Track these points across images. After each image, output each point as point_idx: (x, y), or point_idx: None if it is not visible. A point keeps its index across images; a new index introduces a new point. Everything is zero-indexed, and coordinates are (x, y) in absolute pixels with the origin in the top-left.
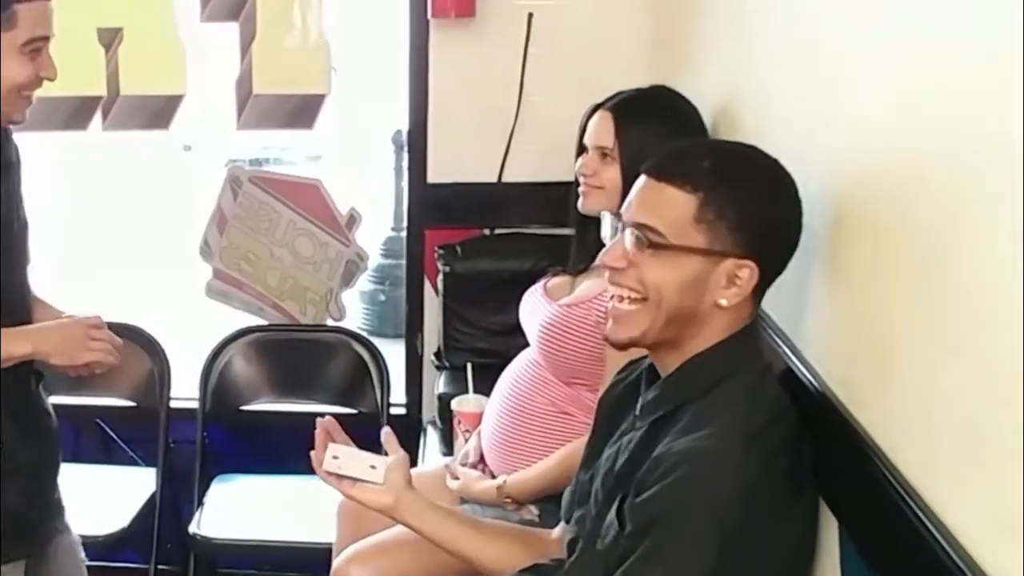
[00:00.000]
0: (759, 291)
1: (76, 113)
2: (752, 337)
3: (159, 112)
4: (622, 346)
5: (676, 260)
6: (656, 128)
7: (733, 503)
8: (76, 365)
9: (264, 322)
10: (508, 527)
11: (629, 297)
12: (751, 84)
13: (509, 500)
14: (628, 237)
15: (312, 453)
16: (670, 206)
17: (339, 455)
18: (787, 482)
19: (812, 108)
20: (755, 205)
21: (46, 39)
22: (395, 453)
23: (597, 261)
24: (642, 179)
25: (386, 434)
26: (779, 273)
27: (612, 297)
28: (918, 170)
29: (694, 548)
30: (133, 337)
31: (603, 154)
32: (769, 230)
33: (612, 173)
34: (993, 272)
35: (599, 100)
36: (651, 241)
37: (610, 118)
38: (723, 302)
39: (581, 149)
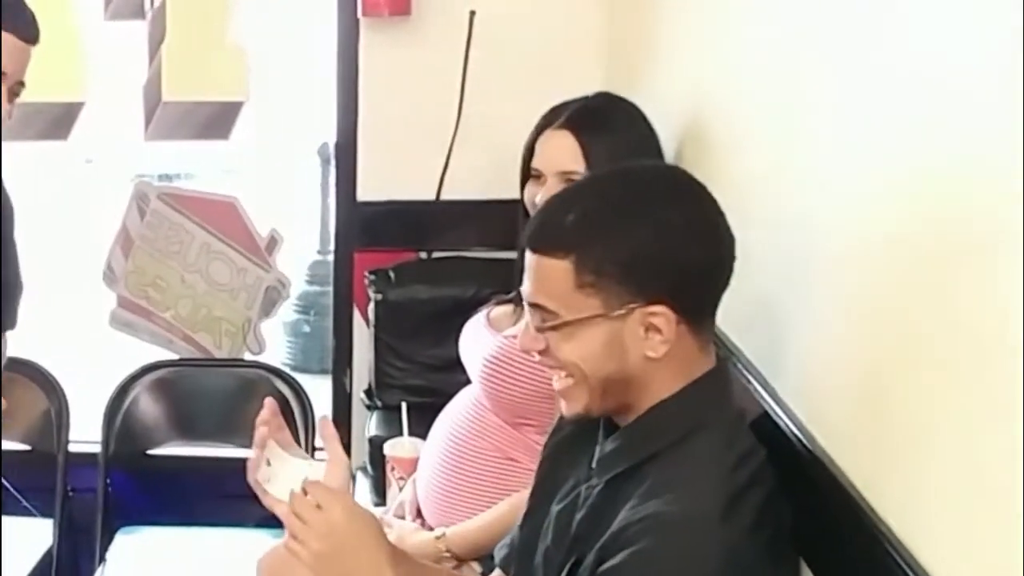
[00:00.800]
0: (695, 329)
1: None
2: (719, 383)
3: (57, 121)
4: (573, 422)
5: (578, 333)
6: (619, 141)
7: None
8: None
9: (174, 356)
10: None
11: (562, 374)
12: (721, 96)
13: (449, 555)
14: (531, 317)
15: (249, 459)
16: (549, 279)
17: (273, 462)
18: (770, 550)
19: (788, 123)
20: (638, 248)
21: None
22: (334, 460)
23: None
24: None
25: (323, 424)
26: (710, 306)
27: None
28: (909, 193)
29: None
30: (27, 373)
31: (569, 180)
32: (669, 268)
33: None
34: (991, 301)
35: (550, 109)
36: (546, 324)
37: (571, 137)
38: (651, 354)
39: (526, 174)
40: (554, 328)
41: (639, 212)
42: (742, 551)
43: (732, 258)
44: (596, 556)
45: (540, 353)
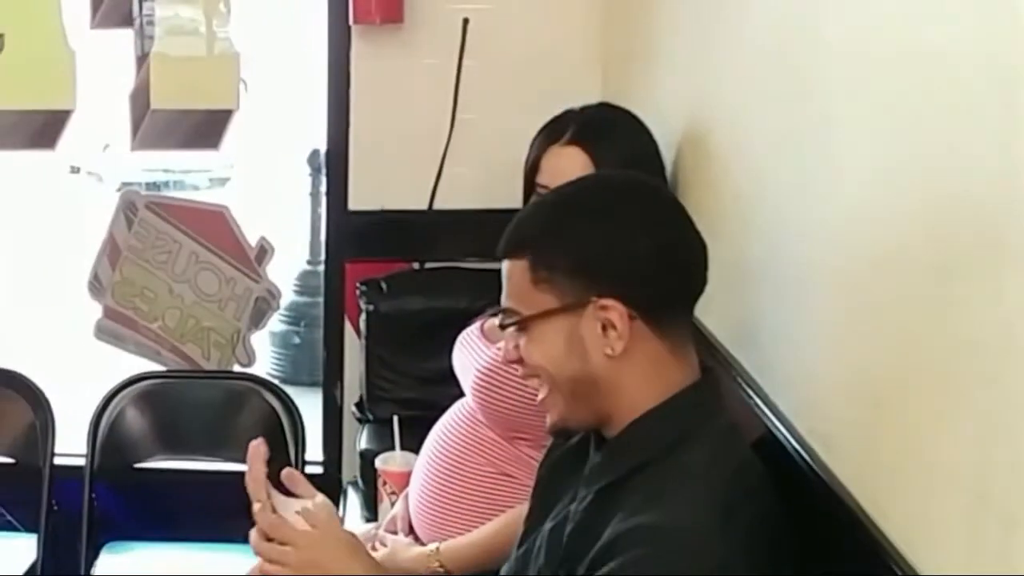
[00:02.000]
0: (657, 330)
1: None
2: (704, 395)
3: (44, 129)
4: (556, 435)
5: (540, 330)
6: (627, 154)
7: None
8: None
9: (162, 368)
10: None
11: (539, 385)
12: (721, 105)
13: (443, 570)
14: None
15: (248, 476)
16: (511, 280)
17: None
18: (767, 567)
19: (792, 132)
20: (587, 241)
21: None
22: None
23: None
24: None
25: (288, 476)
26: (668, 305)
27: None
28: (912, 204)
29: None
30: (12, 384)
31: None
32: (617, 261)
33: None
34: (996, 313)
35: (545, 119)
36: (507, 322)
37: (581, 154)
38: (609, 351)
39: (530, 189)
40: (516, 326)
41: (591, 209)
42: (737, 567)
43: (697, 262)
44: (586, 569)
45: (517, 363)
